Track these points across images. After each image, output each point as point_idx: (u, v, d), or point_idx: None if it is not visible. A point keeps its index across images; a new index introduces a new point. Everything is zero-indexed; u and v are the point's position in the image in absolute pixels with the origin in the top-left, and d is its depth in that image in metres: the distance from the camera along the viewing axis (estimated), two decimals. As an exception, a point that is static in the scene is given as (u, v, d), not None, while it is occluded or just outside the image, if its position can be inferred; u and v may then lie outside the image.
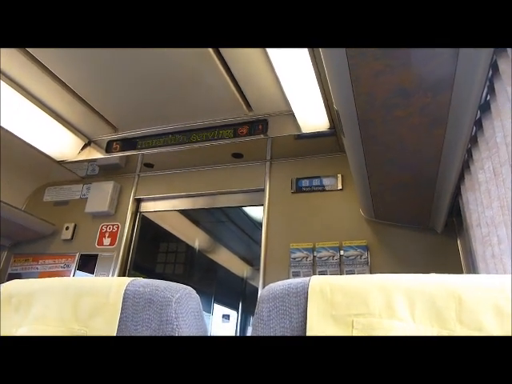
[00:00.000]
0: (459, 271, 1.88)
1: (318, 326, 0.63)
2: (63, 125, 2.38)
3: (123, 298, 0.75)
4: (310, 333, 0.63)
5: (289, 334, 0.66)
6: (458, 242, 1.99)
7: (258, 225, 2.85)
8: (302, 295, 0.67)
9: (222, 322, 3.71)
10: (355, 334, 0.61)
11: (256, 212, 3.10)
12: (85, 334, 0.73)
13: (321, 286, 0.66)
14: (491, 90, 1.09)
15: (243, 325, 3.58)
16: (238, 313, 3.76)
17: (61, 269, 2.64)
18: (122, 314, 0.74)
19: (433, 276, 0.63)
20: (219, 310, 3.76)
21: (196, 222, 3.47)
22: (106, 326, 0.73)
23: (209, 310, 3.57)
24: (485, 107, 1.16)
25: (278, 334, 0.67)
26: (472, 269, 1.70)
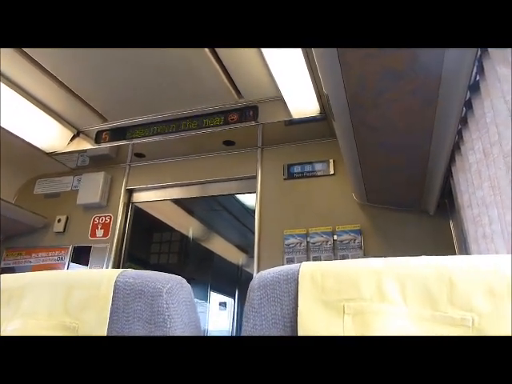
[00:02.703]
0: (452, 252, 1.90)
1: (309, 312, 0.63)
2: (50, 115, 2.35)
3: (114, 290, 0.74)
4: (301, 319, 0.63)
5: (280, 321, 0.66)
6: (451, 223, 2.00)
7: (251, 212, 2.86)
8: (293, 282, 0.66)
9: (218, 310, 3.74)
10: (346, 319, 0.61)
11: (249, 199, 3.10)
12: (76, 327, 0.73)
13: (311, 272, 0.66)
14: (480, 70, 1.09)
15: (240, 312, 3.61)
16: (234, 300, 3.79)
17: (54, 261, 2.63)
18: (112, 305, 0.73)
19: (423, 258, 0.63)
20: (216, 297, 3.79)
21: (189, 211, 3.47)
22: (97, 318, 0.73)
23: (205, 298, 3.59)
24: (474, 87, 1.16)
25: (270, 322, 0.67)
26: (464, 249, 1.71)
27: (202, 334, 0.80)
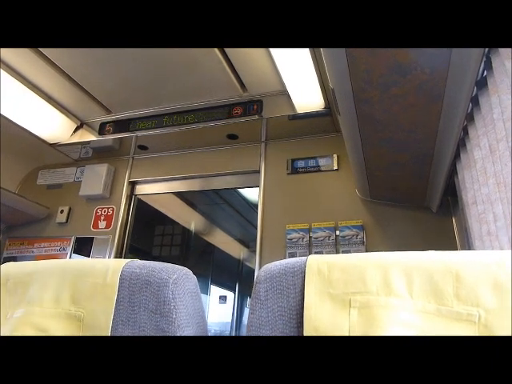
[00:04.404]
0: (454, 250, 1.89)
1: (316, 304, 0.63)
2: (54, 106, 2.35)
3: (120, 280, 0.75)
4: (307, 312, 0.63)
5: (286, 314, 0.66)
6: (453, 220, 2.00)
7: (253, 206, 2.86)
8: (299, 274, 0.67)
9: (218, 303, 3.75)
10: (352, 312, 0.61)
11: (252, 194, 3.10)
12: (81, 316, 0.73)
13: (318, 264, 0.66)
14: (488, 66, 1.08)
15: (240, 306, 3.62)
16: (234, 294, 3.80)
17: (57, 252, 2.63)
18: (118, 295, 0.74)
19: (430, 253, 0.63)
20: (216, 291, 3.80)
21: (192, 205, 3.47)
22: (102, 307, 0.73)
23: (206, 291, 3.60)
24: (481, 83, 1.15)
25: (276, 314, 0.67)
26: (467, 247, 1.71)
27: (206, 325, 0.80)
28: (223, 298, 3.81)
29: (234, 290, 3.84)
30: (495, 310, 0.55)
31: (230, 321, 3.67)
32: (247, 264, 3.70)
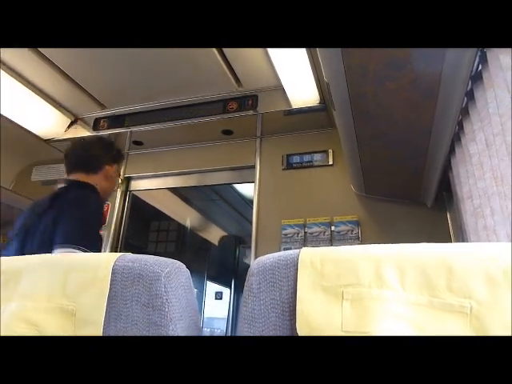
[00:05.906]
0: (449, 244, 1.90)
1: (308, 297, 0.63)
2: (48, 102, 2.33)
3: (112, 273, 0.74)
4: (299, 304, 0.63)
5: (279, 306, 0.66)
6: (448, 215, 2.01)
7: (249, 202, 2.85)
8: (292, 267, 0.66)
9: (214, 299, 3.75)
10: (345, 304, 0.61)
11: (247, 189, 3.10)
12: (74, 310, 0.73)
13: (311, 257, 0.65)
14: (483, 60, 1.08)
15: (236, 302, 3.62)
16: (230, 290, 3.80)
17: (51, 248, 2.62)
18: (111, 289, 0.73)
19: (423, 245, 0.63)
20: (212, 287, 3.80)
21: (187, 201, 3.47)
22: (94, 301, 0.72)
23: (202, 287, 3.60)
24: (476, 78, 1.15)
25: (268, 307, 0.67)
26: (462, 241, 1.72)
27: (199, 318, 0.80)
28: (219, 294, 3.81)
29: (229, 286, 3.85)
30: (487, 302, 0.55)
31: (225, 317, 3.67)
32: (243, 260, 3.70)
